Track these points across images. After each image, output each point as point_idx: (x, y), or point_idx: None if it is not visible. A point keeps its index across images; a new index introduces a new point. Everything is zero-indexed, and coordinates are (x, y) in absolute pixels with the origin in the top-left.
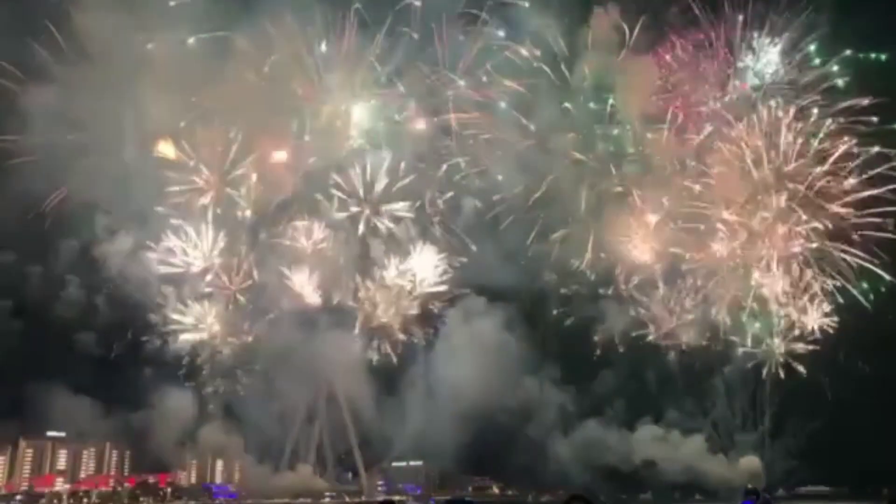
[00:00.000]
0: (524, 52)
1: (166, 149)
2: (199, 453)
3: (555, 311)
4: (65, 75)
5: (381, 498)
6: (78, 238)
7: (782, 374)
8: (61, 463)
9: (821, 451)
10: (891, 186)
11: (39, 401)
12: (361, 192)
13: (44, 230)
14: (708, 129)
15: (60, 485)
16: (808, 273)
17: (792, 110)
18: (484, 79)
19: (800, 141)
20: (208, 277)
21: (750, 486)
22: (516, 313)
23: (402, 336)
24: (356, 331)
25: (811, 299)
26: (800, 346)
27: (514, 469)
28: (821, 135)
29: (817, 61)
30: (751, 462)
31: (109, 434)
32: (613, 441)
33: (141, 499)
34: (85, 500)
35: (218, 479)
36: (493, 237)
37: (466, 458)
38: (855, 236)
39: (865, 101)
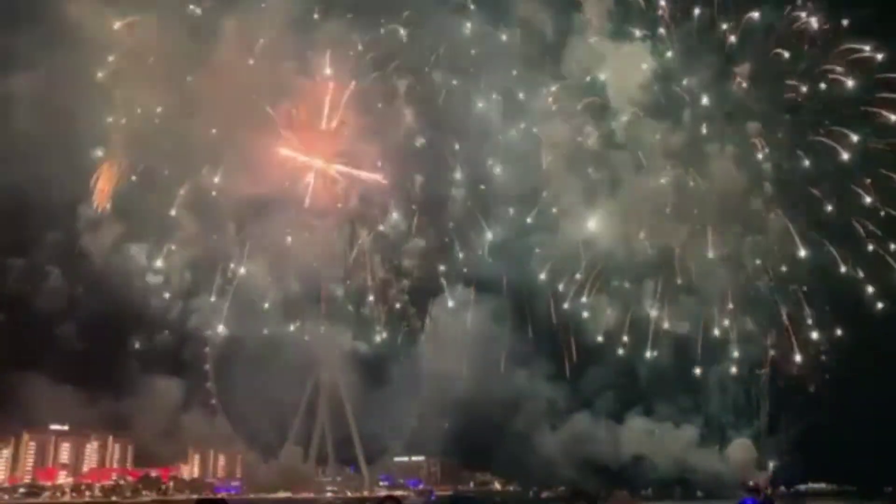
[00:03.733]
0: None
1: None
2: (200, 447)
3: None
4: (46, 63)
5: (382, 493)
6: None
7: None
8: (64, 456)
9: (817, 448)
10: None
11: (23, 392)
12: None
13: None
14: None
15: (63, 478)
16: None
17: None
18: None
19: None
20: None
21: (751, 483)
22: (507, 305)
23: None
24: None
25: None
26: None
27: (512, 464)
28: None
29: None
30: (745, 458)
31: (89, 423)
32: (607, 435)
33: (143, 492)
34: (87, 493)
35: (220, 473)
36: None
37: (462, 452)
38: None
39: None
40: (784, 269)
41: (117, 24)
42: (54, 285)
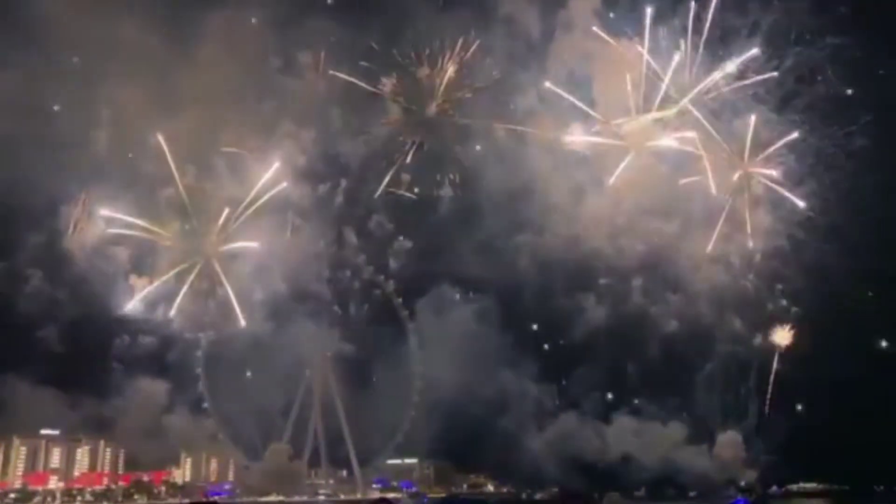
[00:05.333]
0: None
1: None
2: (192, 451)
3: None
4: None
5: (375, 495)
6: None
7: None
8: (55, 461)
9: (807, 447)
10: None
11: (10, 396)
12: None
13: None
14: None
15: (54, 483)
16: None
17: None
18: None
19: None
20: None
21: (744, 483)
22: (494, 305)
23: None
24: None
25: None
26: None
27: (504, 466)
28: None
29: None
30: (733, 452)
31: (76, 428)
32: (594, 435)
33: (135, 497)
34: (79, 498)
35: (212, 477)
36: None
37: (454, 454)
38: None
39: None
40: (771, 267)
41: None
42: (35, 288)
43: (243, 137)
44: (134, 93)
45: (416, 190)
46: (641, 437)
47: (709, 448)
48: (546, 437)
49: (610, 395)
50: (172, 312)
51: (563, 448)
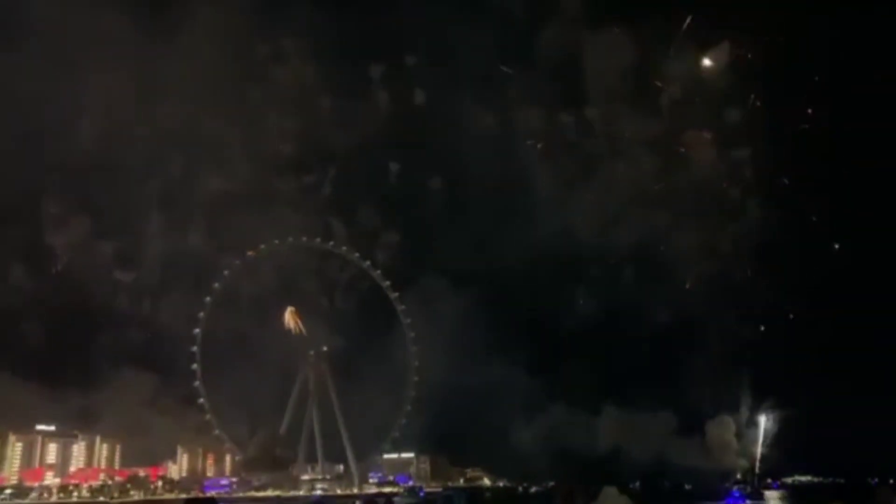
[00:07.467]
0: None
1: None
2: (189, 446)
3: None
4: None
5: (372, 490)
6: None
7: None
8: (51, 457)
9: (800, 441)
10: None
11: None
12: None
13: None
14: None
15: (50, 478)
16: None
17: None
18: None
19: None
20: None
21: (738, 476)
22: (484, 297)
23: None
24: None
25: None
26: None
27: (500, 460)
28: None
29: None
30: (727, 451)
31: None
32: (585, 427)
33: (132, 492)
34: (75, 493)
35: (209, 472)
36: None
37: (450, 449)
38: None
39: None
40: (762, 257)
41: None
42: (18, 282)
43: (228, 127)
44: (117, 83)
45: (404, 180)
46: (632, 428)
47: (702, 441)
48: (539, 430)
49: (600, 387)
50: None
51: (556, 442)
